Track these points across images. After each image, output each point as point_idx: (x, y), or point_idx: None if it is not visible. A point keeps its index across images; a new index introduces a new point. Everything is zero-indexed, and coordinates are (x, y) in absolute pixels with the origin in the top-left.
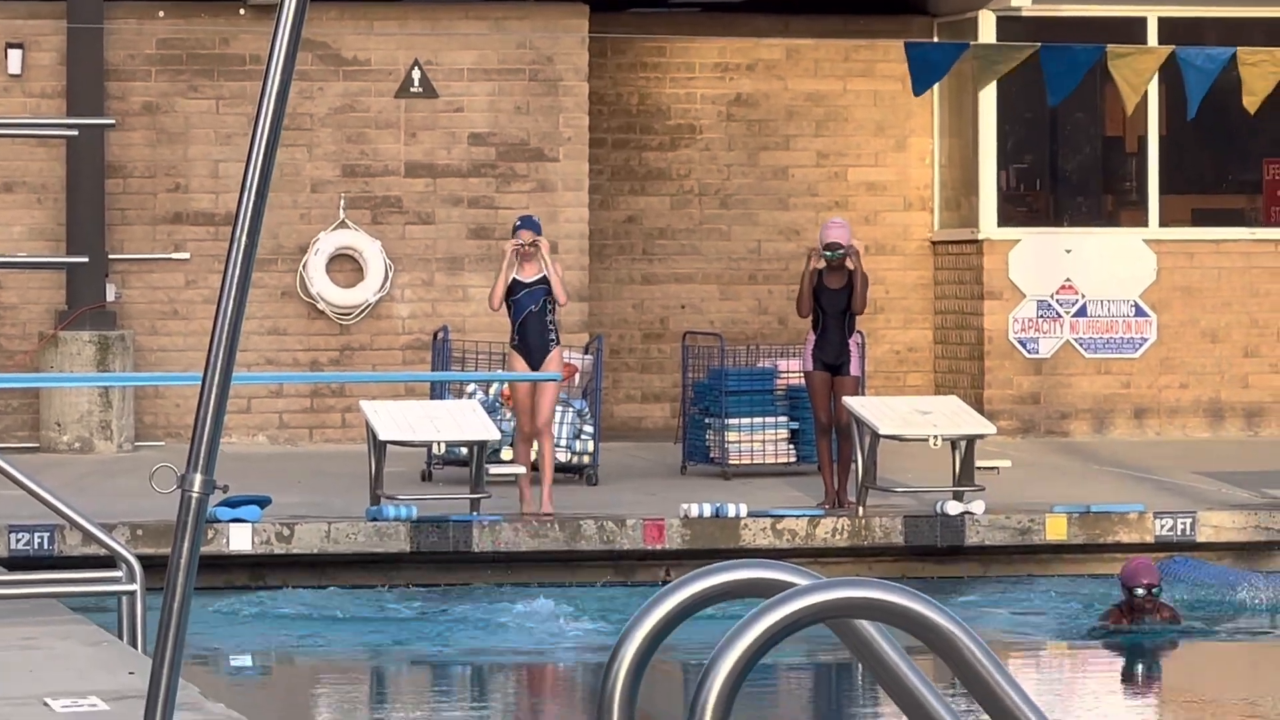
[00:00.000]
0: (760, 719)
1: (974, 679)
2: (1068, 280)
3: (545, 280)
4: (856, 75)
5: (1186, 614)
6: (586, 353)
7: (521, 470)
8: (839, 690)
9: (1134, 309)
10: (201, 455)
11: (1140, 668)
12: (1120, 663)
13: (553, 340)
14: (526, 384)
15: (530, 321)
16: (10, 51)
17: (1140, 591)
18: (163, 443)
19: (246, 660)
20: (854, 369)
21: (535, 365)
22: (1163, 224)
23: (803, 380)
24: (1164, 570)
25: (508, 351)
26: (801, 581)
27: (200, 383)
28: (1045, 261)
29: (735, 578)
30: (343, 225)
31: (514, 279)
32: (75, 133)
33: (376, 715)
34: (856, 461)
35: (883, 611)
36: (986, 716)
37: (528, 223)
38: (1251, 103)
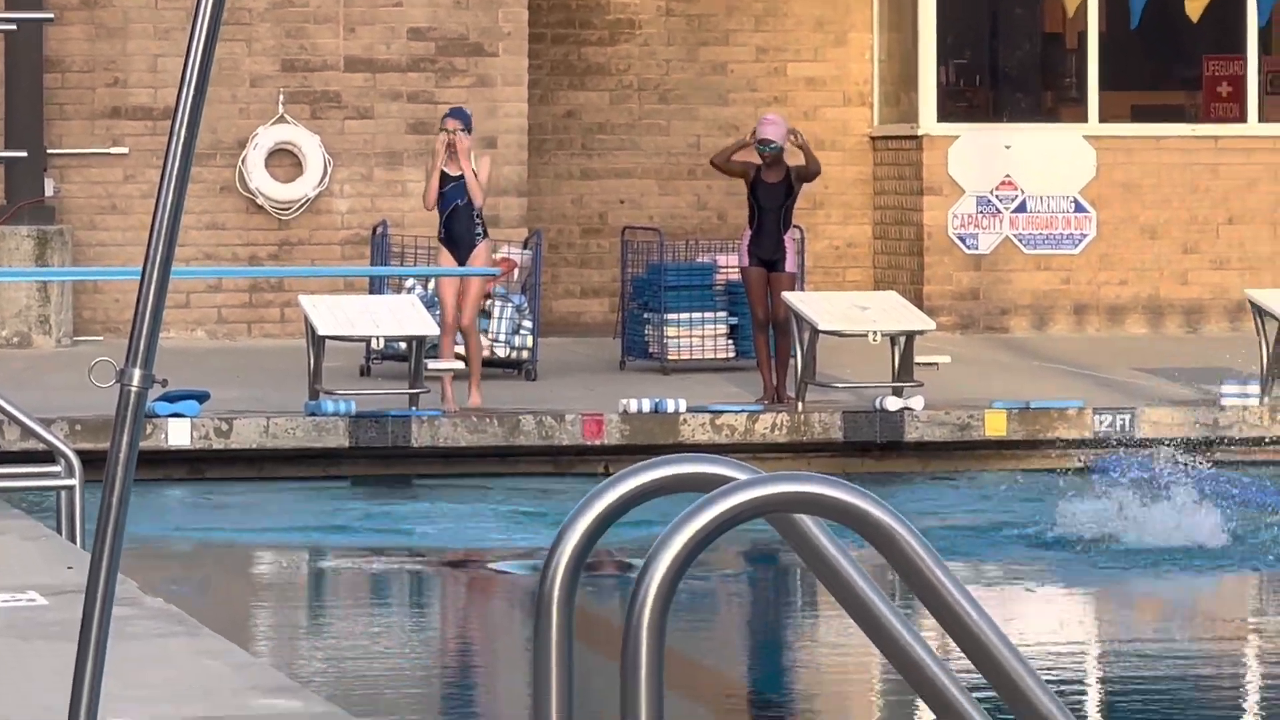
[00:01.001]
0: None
1: (913, 573)
2: (1007, 176)
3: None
4: None
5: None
6: (525, 248)
7: (460, 366)
8: (780, 591)
9: (1073, 205)
10: (140, 350)
11: (1076, 560)
12: (1058, 560)
13: (479, 234)
14: (452, 278)
15: (457, 215)
16: None
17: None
18: (101, 338)
19: (185, 555)
20: (790, 265)
21: (461, 260)
22: (1102, 120)
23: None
24: (1102, 467)
25: (435, 246)
26: (741, 476)
27: (139, 278)
28: (985, 157)
29: (674, 472)
30: (281, 120)
31: (443, 172)
32: (13, 27)
33: (315, 613)
34: (795, 357)
35: (822, 506)
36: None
37: (456, 113)
38: (1195, 9)
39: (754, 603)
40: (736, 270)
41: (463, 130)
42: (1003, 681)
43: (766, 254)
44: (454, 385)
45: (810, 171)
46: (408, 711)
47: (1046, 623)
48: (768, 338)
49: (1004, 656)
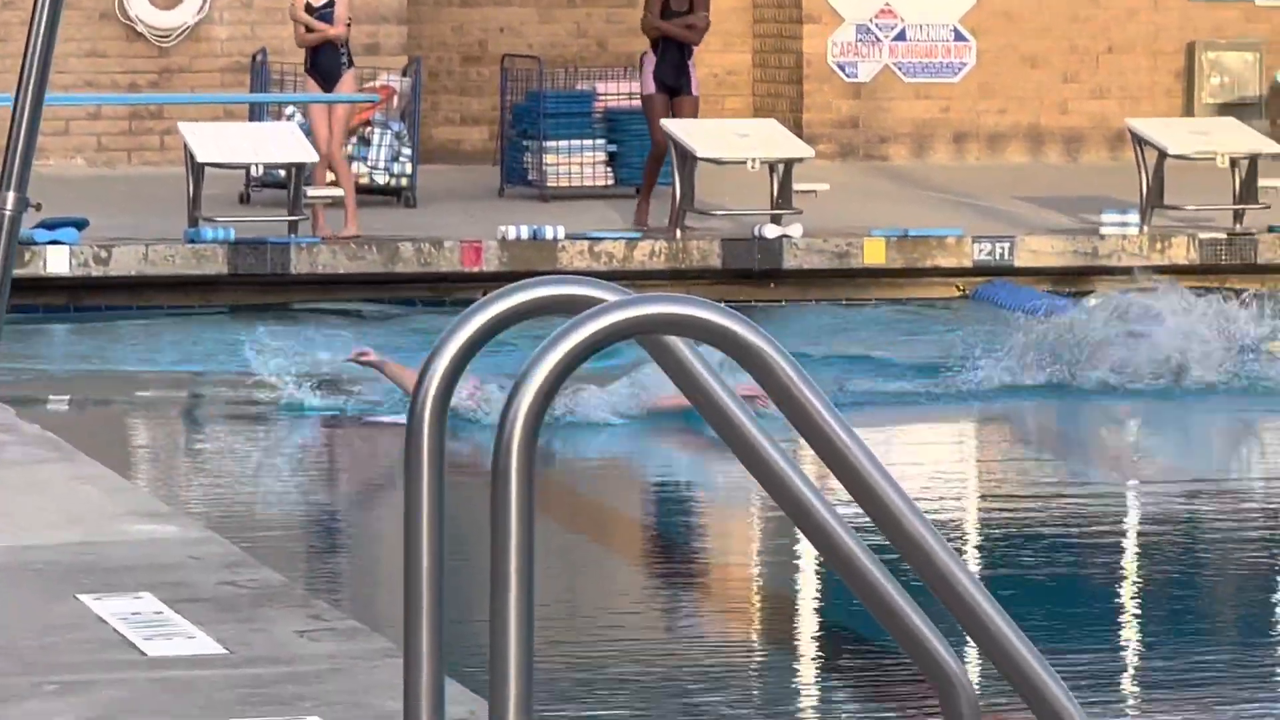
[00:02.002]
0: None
1: (784, 396)
2: (887, 4)
3: (335, 3)
4: None
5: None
6: (405, 75)
7: (339, 193)
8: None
9: (953, 33)
10: (15, 172)
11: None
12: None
13: (344, 64)
14: (321, 107)
15: (323, 45)
16: None
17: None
18: None
19: (63, 382)
20: (694, 89)
21: (328, 89)
22: None
23: (621, 103)
24: (981, 295)
25: (300, 75)
26: (612, 298)
27: (12, 102)
28: None
29: (545, 294)
30: None
31: (307, 2)
32: None
33: (192, 440)
34: (674, 185)
35: (693, 327)
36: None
37: None
38: None
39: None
40: (616, 98)
41: None
42: (872, 501)
43: (671, 79)
44: (329, 213)
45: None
46: (284, 538)
47: (912, 452)
48: (660, 167)
49: (875, 480)
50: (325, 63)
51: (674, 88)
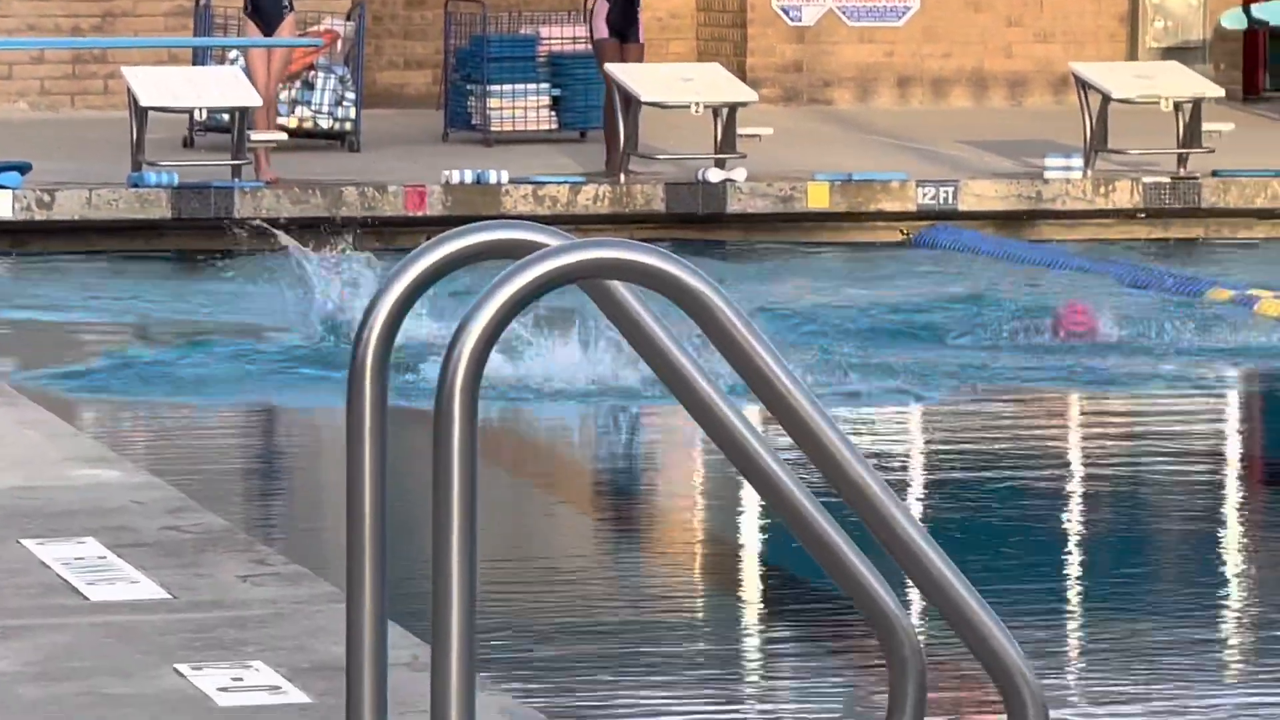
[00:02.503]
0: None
1: (725, 339)
2: None
3: None
4: None
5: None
6: (349, 19)
7: (282, 137)
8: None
9: None
10: None
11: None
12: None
13: (286, 7)
14: (261, 51)
15: None
16: None
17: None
18: None
19: (6, 326)
20: (640, 35)
21: (268, 33)
22: None
23: (565, 47)
24: (922, 239)
25: (240, 19)
26: (554, 242)
27: None
28: None
29: (487, 239)
30: None
31: None
32: None
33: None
34: (619, 129)
35: (635, 272)
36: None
37: None
38: None
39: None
40: (559, 41)
41: None
42: (813, 444)
43: (623, 25)
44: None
45: None
46: (228, 482)
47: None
48: (618, 109)
49: (816, 423)
50: (266, 6)
51: (623, 33)
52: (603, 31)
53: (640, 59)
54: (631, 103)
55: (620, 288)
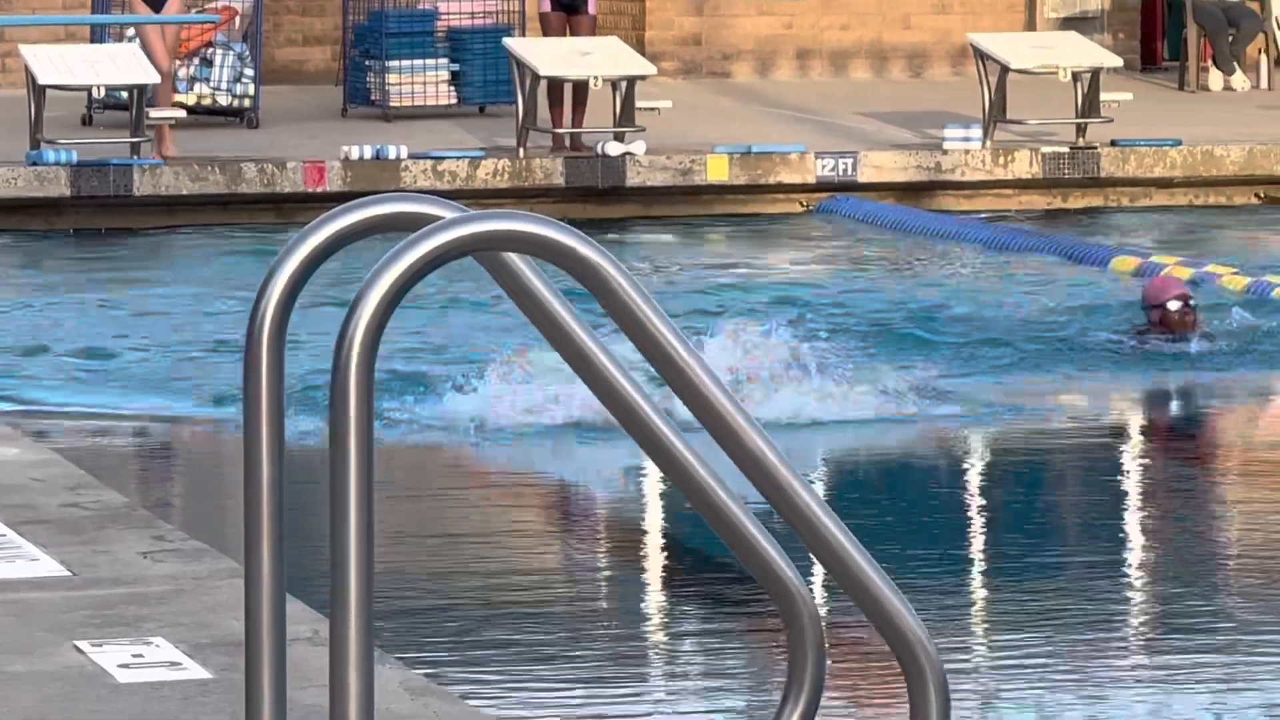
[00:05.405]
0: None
1: (620, 310)
2: None
3: None
4: None
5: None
6: None
7: (181, 114)
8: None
9: None
10: None
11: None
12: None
13: None
14: (154, 28)
15: None
16: None
17: (1175, 305)
18: None
19: None
20: (592, 8)
21: (155, 10)
22: None
23: (464, 22)
24: (824, 210)
25: None
26: (449, 214)
27: None
28: None
29: (383, 211)
30: None
31: None
32: None
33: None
34: (517, 104)
35: (530, 243)
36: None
37: None
38: None
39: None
40: (458, 17)
41: None
42: (710, 416)
43: None
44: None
45: None
46: (127, 459)
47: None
48: (563, 86)
49: (713, 395)
50: None
51: (570, 6)
52: (547, 5)
53: (592, 31)
54: (529, 76)
55: (514, 259)
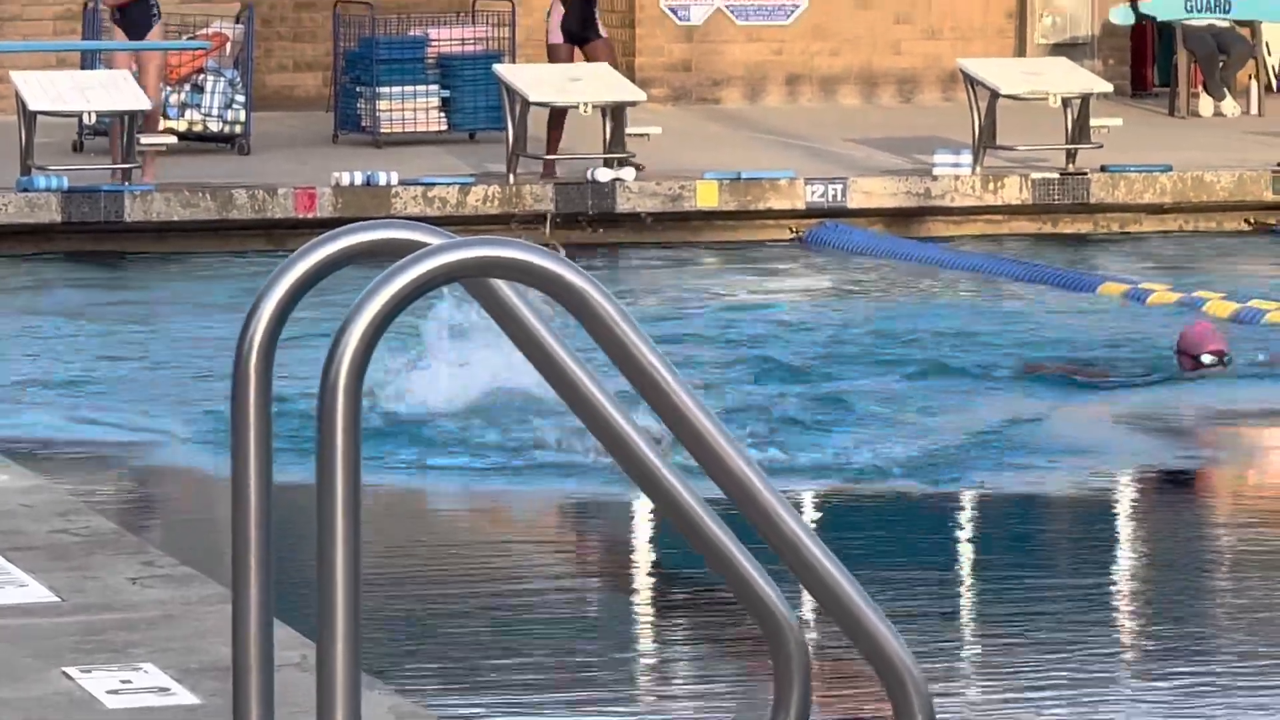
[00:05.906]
0: None
1: (607, 337)
2: None
3: None
4: None
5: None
6: (238, 22)
7: (172, 140)
8: None
9: None
10: None
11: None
12: None
13: (155, 16)
14: (126, 56)
15: None
16: None
17: (1209, 360)
18: None
19: None
20: (602, 31)
21: (138, 39)
22: None
23: (454, 48)
24: (814, 237)
25: (107, 25)
26: (436, 241)
27: None
28: None
29: (370, 238)
30: None
31: None
32: None
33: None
34: (506, 130)
35: (517, 270)
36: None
37: None
38: None
39: None
40: (449, 43)
41: None
42: (696, 439)
43: (578, 28)
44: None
45: None
46: (116, 485)
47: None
48: (564, 116)
49: (701, 422)
50: (134, 15)
51: (581, 37)
52: (556, 37)
53: (609, 56)
54: (520, 103)
55: (501, 285)
